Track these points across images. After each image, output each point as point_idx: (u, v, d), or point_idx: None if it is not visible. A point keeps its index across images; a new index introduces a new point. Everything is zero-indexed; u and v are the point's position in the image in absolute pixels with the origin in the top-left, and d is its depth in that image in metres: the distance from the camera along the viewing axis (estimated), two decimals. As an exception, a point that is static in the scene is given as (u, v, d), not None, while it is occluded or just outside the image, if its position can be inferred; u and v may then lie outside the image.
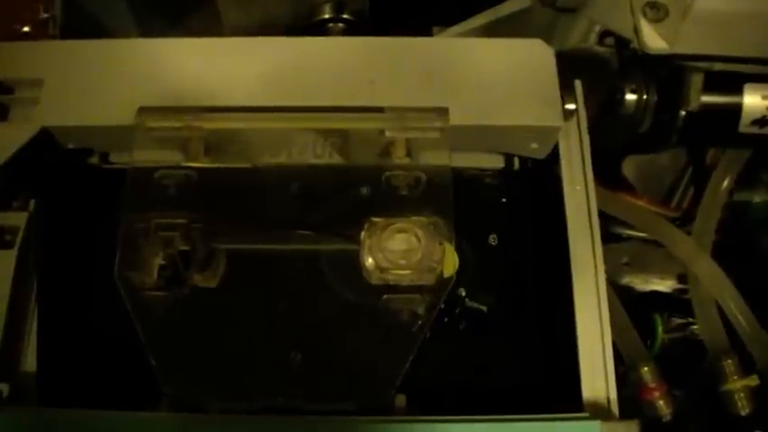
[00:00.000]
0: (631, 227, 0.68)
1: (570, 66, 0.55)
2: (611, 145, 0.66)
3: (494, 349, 0.53)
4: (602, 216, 0.62)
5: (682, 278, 0.69)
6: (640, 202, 0.68)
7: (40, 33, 0.71)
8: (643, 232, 0.68)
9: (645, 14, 0.55)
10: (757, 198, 0.72)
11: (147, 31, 0.78)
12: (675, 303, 0.68)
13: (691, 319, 0.67)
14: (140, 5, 0.78)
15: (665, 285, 0.70)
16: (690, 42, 0.55)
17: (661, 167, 0.74)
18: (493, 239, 0.55)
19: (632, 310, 0.64)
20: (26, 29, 0.72)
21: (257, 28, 0.75)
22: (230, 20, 0.75)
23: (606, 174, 0.65)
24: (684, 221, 0.69)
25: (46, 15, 0.72)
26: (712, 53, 0.55)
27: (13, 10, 0.72)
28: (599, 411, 0.49)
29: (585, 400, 0.49)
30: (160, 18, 0.80)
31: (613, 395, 0.49)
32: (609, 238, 0.68)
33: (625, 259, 0.70)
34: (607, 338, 0.51)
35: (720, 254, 0.65)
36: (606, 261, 0.64)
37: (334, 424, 0.47)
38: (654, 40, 0.55)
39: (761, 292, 0.65)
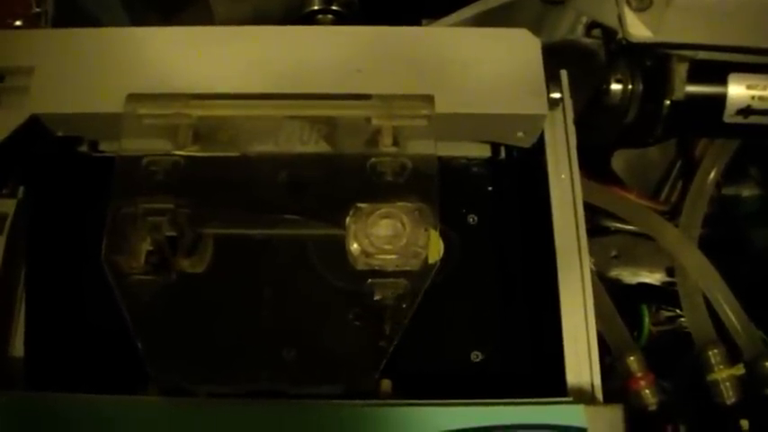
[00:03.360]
0: (620, 220, 0.69)
1: (558, 58, 0.56)
2: (599, 138, 0.66)
3: (480, 335, 0.54)
4: (592, 209, 0.63)
5: (670, 271, 0.69)
6: (630, 196, 0.69)
7: (31, 28, 0.71)
8: (632, 225, 0.69)
9: (629, 3, 0.55)
10: (746, 192, 0.73)
11: (140, 26, 0.78)
12: (664, 296, 0.69)
13: (679, 312, 0.67)
14: (133, 0, 0.79)
15: (653, 278, 0.70)
16: (673, 31, 0.55)
17: (650, 161, 0.74)
18: (472, 219, 0.56)
19: (621, 302, 0.64)
20: (18, 23, 0.72)
21: (248, 22, 0.76)
22: (221, 14, 0.76)
23: (596, 167, 0.66)
24: (673, 215, 0.69)
25: (38, 10, 0.72)
26: (696, 42, 0.56)
27: (5, 4, 0.72)
28: (583, 396, 0.49)
29: (570, 386, 0.49)
30: (153, 12, 0.80)
31: (597, 381, 0.50)
32: (598, 231, 0.69)
33: (614, 252, 0.70)
34: (591, 326, 0.51)
35: (710, 247, 0.66)
36: (595, 254, 0.65)
37: (319, 407, 0.47)
38: (638, 28, 0.55)
39: (749, 284, 0.65)
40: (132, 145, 0.52)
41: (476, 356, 0.53)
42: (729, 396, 0.61)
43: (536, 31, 0.56)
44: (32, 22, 0.71)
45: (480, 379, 0.52)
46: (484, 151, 0.58)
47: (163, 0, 0.80)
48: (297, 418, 0.47)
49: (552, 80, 0.54)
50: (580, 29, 0.64)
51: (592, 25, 0.64)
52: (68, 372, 0.51)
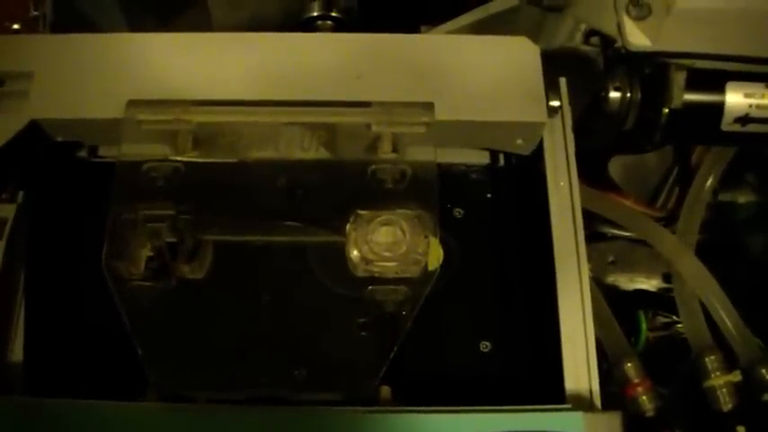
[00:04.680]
0: (617, 226, 0.69)
1: (556, 65, 0.56)
2: (597, 144, 0.66)
3: (479, 342, 0.54)
4: (589, 215, 0.63)
5: (667, 277, 0.69)
6: (627, 202, 0.69)
7: (29, 31, 0.71)
8: (629, 231, 0.69)
9: (628, 12, 0.56)
10: (742, 199, 0.73)
11: (138, 31, 0.78)
12: (661, 302, 0.69)
13: (675, 318, 0.68)
14: (131, 4, 0.79)
15: (650, 284, 0.70)
16: (672, 40, 0.55)
17: (647, 168, 0.74)
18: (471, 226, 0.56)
19: (618, 308, 0.65)
20: (16, 26, 0.72)
21: (246, 28, 0.76)
22: (219, 18, 0.76)
23: (593, 174, 0.66)
24: (670, 221, 0.70)
25: (36, 13, 0.72)
26: (695, 51, 0.56)
27: (3, 7, 0.72)
28: (582, 403, 0.49)
29: (568, 393, 0.50)
30: (151, 17, 0.80)
31: (596, 387, 0.50)
32: (595, 237, 0.69)
33: (611, 258, 0.70)
34: (590, 332, 0.51)
35: (706, 253, 0.66)
36: (592, 260, 0.65)
37: (319, 414, 0.47)
38: (637, 37, 0.56)
39: (746, 290, 0.65)
40: (132, 151, 0.52)
41: (475, 363, 0.53)
42: (726, 402, 0.61)
43: (534, 38, 0.56)
44: (30, 26, 0.71)
45: (479, 385, 0.52)
46: (483, 158, 0.58)
47: (160, 5, 0.80)
48: (296, 424, 0.47)
49: (551, 88, 0.55)
50: (578, 36, 0.65)
51: (590, 33, 0.64)
52: (68, 377, 0.51)
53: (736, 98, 0.57)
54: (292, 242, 0.51)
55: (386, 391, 0.49)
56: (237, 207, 0.52)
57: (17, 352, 0.52)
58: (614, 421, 0.48)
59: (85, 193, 0.55)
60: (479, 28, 0.67)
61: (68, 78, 0.54)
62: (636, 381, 0.61)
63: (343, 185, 0.52)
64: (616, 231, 0.70)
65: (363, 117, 0.53)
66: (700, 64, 0.57)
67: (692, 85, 0.57)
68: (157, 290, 0.50)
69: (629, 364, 0.61)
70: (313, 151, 0.53)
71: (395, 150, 0.53)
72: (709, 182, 0.67)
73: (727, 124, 0.58)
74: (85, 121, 0.53)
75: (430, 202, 0.50)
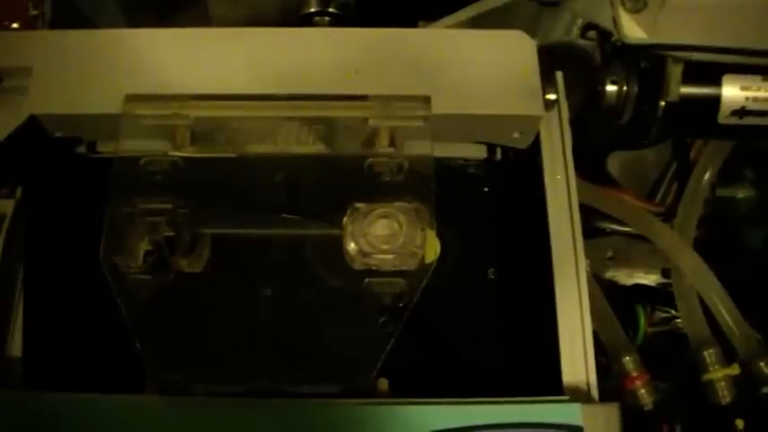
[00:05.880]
0: (615, 221, 0.69)
1: (553, 60, 0.56)
2: (594, 139, 0.66)
3: (477, 335, 0.54)
4: (587, 210, 0.63)
5: (666, 272, 0.69)
6: (625, 197, 0.69)
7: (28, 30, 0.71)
8: (627, 226, 0.69)
9: (624, 5, 0.56)
10: (741, 194, 0.73)
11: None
12: (659, 297, 0.69)
13: (674, 313, 0.68)
14: (131, 3, 0.79)
15: (649, 279, 0.70)
16: (668, 32, 0.55)
17: (645, 163, 0.74)
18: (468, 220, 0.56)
19: (617, 303, 0.65)
20: (15, 25, 0.72)
21: (245, 24, 0.76)
22: (218, 16, 0.76)
23: (591, 169, 0.66)
24: (668, 216, 0.70)
25: (35, 12, 0.72)
26: (691, 43, 0.56)
27: (2, 7, 0.72)
28: (579, 395, 0.49)
29: (566, 385, 0.50)
30: (150, 15, 0.80)
31: (593, 379, 0.50)
32: (593, 232, 0.69)
33: (609, 253, 0.71)
34: (587, 324, 0.51)
35: (705, 249, 0.66)
36: (590, 255, 0.65)
37: (317, 406, 0.47)
38: (633, 30, 0.56)
39: (744, 285, 0.65)
40: (130, 146, 0.52)
41: (472, 355, 0.53)
42: (725, 396, 0.61)
43: (532, 32, 0.56)
44: (29, 25, 0.71)
45: (476, 378, 0.53)
46: (480, 152, 0.58)
47: (160, 3, 0.80)
48: (294, 416, 0.47)
49: (548, 81, 0.55)
50: (576, 30, 0.65)
51: (587, 27, 0.64)
52: (66, 371, 0.51)
53: (732, 91, 0.57)
54: (290, 235, 0.51)
55: (383, 383, 0.49)
56: (235, 201, 0.52)
57: (16, 346, 0.53)
58: (612, 413, 0.48)
59: (84, 189, 0.55)
60: (477, 22, 0.67)
61: (67, 74, 0.54)
62: (635, 374, 0.61)
63: (341, 179, 0.53)
64: (614, 226, 0.70)
65: (360, 111, 0.53)
66: (696, 56, 0.57)
67: (688, 78, 0.57)
68: (156, 284, 0.50)
69: (627, 358, 0.61)
70: (310, 145, 0.54)
71: (392, 144, 0.53)
72: (706, 176, 0.67)
73: (723, 117, 0.58)
74: (84, 117, 0.53)
75: (427, 196, 0.50)
